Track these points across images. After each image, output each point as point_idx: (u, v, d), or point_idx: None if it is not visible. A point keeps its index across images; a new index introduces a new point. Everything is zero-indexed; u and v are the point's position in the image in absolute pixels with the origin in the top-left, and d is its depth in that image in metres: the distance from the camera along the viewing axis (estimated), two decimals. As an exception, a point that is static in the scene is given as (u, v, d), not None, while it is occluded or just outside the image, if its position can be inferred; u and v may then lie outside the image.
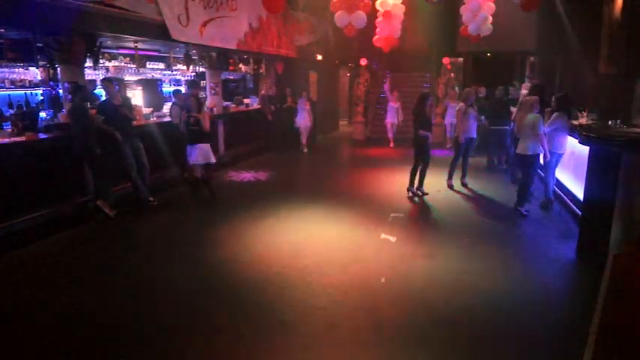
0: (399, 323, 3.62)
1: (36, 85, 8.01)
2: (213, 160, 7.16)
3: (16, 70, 8.15)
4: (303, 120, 11.87)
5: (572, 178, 6.64)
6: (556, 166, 6.52)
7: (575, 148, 6.21)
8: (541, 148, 6.01)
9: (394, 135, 12.85)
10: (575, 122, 6.51)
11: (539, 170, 6.96)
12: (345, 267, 4.66)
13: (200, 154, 6.98)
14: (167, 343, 3.35)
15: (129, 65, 10.20)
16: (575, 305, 4.00)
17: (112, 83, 6.69)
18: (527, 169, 6.23)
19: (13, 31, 7.21)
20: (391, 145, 12.72)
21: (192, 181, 7.41)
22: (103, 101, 6.82)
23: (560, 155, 6.38)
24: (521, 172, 6.60)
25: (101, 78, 8.19)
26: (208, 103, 10.28)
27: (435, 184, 8.28)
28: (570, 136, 6.28)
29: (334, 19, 9.47)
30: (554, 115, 6.23)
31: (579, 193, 5.81)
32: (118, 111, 6.44)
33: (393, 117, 12.65)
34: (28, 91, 8.17)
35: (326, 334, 3.46)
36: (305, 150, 11.86)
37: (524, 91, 9.00)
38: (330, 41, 14.49)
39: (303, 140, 11.97)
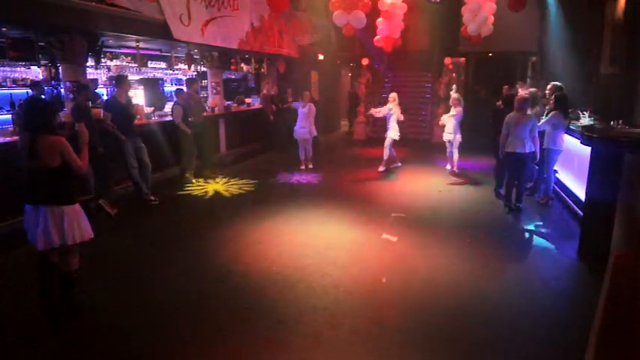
0: (400, 323, 3.61)
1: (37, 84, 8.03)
2: (80, 236, 3.55)
3: (18, 69, 8.18)
4: (303, 130, 9.30)
5: (573, 178, 6.63)
6: (554, 163, 6.56)
7: (576, 148, 6.21)
8: (532, 146, 6.19)
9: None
10: (577, 122, 6.54)
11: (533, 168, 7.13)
12: (346, 267, 4.66)
13: (53, 226, 3.40)
14: (167, 341, 3.35)
15: (130, 64, 10.22)
16: (576, 305, 3.99)
17: (126, 80, 6.72)
18: (524, 167, 6.35)
19: (15, 30, 7.23)
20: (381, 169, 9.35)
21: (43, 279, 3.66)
22: (109, 99, 6.83)
23: (559, 152, 6.44)
24: (510, 170, 6.64)
25: (116, 75, 8.21)
26: (210, 102, 10.29)
27: (437, 184, 8.29)
28: (570, 135, 6.31)
29: (334, 18, 9.46)
30: (551, 113, 6.35)
31: (581, 193, 5.81)
32: (123, 109, 6.45)
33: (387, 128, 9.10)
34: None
35: (327, 334, 3.46)
36: (303, 167, 9.49)
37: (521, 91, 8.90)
38: (332, 41, 14.48)
39: (303, 155, 9.52)
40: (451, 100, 8.95)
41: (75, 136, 3.54)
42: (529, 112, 6.45)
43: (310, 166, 9.58)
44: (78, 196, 6.29)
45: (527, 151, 6.15)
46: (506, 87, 10.11)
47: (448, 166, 9.27)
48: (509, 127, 6.26)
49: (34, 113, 3.52)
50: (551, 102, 6.52)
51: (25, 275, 4.49)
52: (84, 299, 3.80)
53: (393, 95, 9.03)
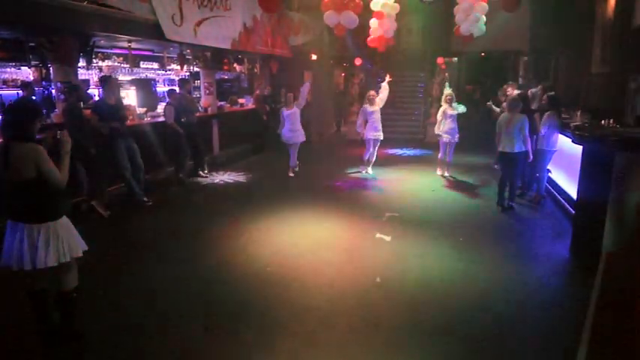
0: (394, 323, 3.62)
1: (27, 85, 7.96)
2: (69, 252, 3.11)
3: (8, 69, 8.10)
4: (294, 133, 8.50)
5: (565, 177, 6.69)
6: (548, 163, 6.62)
7: (567, 147, 6.26)
8: (522, 146, 6.22)
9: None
10: (568, 121, 6.60)
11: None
12: (340, 266, 4.66)
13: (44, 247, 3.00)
14: (163, 342, 3.34)
15: (122, 65, 10.16)
16: (568, 303, 4.02)
17: (113, 81, 6.67)
18: (516, 167, 6.40)
19: (4, 30, 7.15)
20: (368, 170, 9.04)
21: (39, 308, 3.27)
22: (98, 101, 6.78)
23: (553, 152, 6.50)
24: (502, 169, 6.72)
25: (101, 76, 8.14)
26: (203, 102, 10.25)
27: (430, 183, 8.31)
28: (562, 134, 6.36)
29: (325, 18, 9.44)
30: (546, 114, 6.38)
31: (572, 192, 5.85)
32: (113, 111, 6.40)
33: (375, 128, 8.64)
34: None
35: (321, 333, 3.46)
36: (291, 175, 8.77)
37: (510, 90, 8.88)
38: (325, 41, 14.48)
39: (293, 161, 8.75)
40: (447, 98, 8.40)
41: (57, 145, 3.09)
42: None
43: (296, 170, 8.88)
44: (70, 197, 6.28)
45: (516, 150, 6.21)
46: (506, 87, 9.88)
47: (439, 172, 8.84)
48: (501, 127, 6.33)
49: (11, 117, 3.05)
50: (544, 101, 6.58)
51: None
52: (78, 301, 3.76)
53: (374, 92, 8.70)
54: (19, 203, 3.01)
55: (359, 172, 8.99)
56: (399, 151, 11.91)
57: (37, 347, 3.26)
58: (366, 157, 8.90)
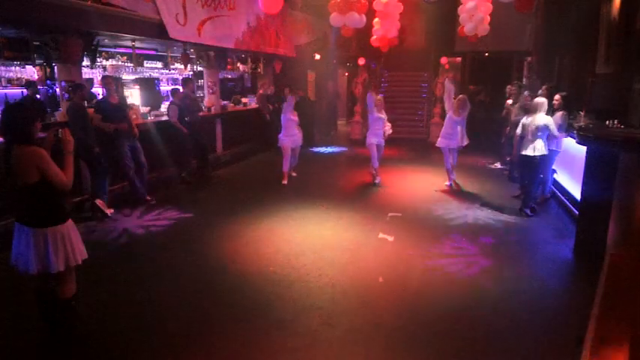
0: (397, 323, 3.62)
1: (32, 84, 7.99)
2: (73, 259, 3.10)
3: (13, 68, 8.14)
4: (292, 137, 8.20)
5: (569, 178, 6.66)
6: (552, 164, 6.61)
7: (572, 148, 6.24)
8: (539, 150, 6.01)
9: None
10: (572, 122, 6.57)
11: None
12: (343, 266, 4.66)
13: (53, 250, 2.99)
14: (164, 342, 3.34)
15: (126, 64, 10.20)
16: (572, 304, 4.01)
17: (112, 81, 6.69)
18: (533, 170, 6.25)
19: (9, 30, 7.19)
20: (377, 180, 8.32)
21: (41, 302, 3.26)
22: (100, 100, 6.81)
23: (557, 153, 6.48)
24: (524, 173, 6.62)
25: (102, 75, 8.18)
26: (206, 102, 10.27)
27: (433, 184, 8.29)
28: (566, 135, 6.35)
29: (330, 19, 9.44)
30: (560, 114, 6.32)
31: (576, 193, 5.83)
32: (116, 110, 6.43)
33: (380, 134, 8.16)
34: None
35: (323, 333, 3.46)
36: (294, 174, 8.65)
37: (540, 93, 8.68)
38: (329, 40, 14.46)
39: (285, 167, 8.23)
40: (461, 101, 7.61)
41: (59, 144, 3.03)
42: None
43: (294, 174, 8.64)
44: (74, 196, 6.30)
45: (535, 154, 6.02)
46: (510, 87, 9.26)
47: (448, 182, 8.06)
48: (525, 129, 6.15)
49: (9, 120, 2.93)
50: (556, 102, 6.50)
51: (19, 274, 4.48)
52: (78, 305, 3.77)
53: (381, 97, 8.41)
54: (25, 207, 2.99)
55: (374, 183, 8.31)
56: (402, 151, 11.89)
57: (39, 347, 3.28)
58: (376, 164, 8.28)
